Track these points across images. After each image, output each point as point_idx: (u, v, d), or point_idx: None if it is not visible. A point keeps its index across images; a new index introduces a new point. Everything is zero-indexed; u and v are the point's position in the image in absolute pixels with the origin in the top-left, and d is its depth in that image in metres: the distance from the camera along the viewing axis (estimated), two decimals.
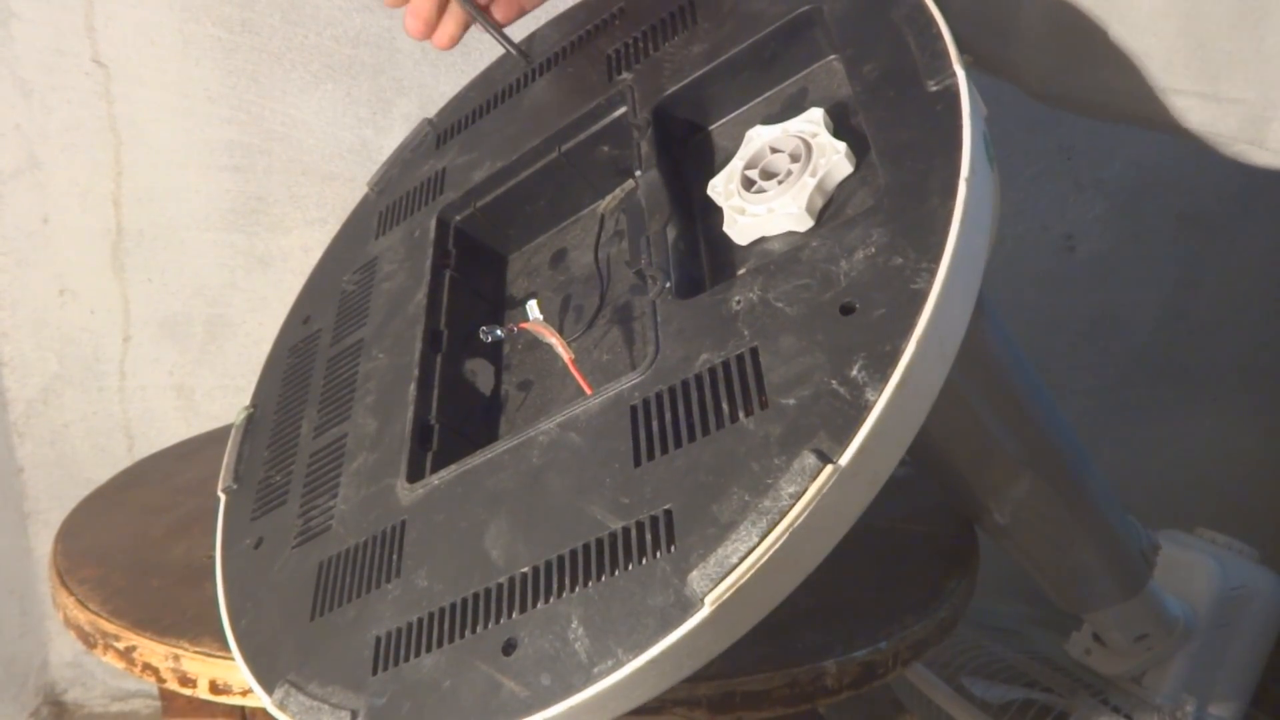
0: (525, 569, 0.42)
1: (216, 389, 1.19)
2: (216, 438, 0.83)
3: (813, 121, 0.48)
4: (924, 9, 0.46)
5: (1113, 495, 0.71)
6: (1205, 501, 1.24)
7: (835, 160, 0.46)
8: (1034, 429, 0.65)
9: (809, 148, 0.47)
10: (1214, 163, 1.17)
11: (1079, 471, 0.68)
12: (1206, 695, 0.92)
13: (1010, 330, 0.63)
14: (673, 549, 0.38)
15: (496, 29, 0.64)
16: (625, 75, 0.57)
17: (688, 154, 0.56)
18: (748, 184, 0.48)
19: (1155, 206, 1.16)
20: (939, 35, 0.44)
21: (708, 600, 0.36)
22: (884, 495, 0.39)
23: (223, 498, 0.60)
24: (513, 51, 0.66)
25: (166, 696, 0.68)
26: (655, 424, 0.42)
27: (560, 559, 0.41)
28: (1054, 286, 1.18)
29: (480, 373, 0.57)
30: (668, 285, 0.46)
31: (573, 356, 0.49)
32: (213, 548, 0.57)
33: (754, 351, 0.41)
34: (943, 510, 0.73)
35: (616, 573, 0.39)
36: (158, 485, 0.80)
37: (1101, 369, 1.23)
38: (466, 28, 0.64)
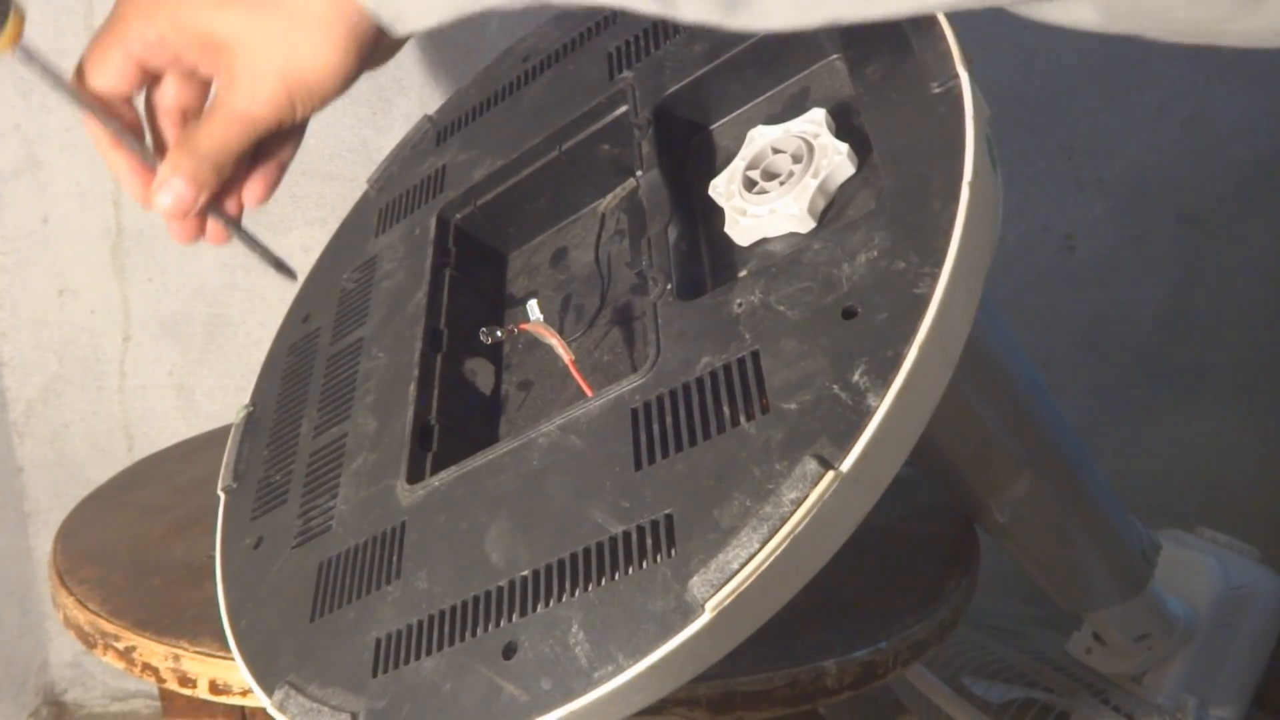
0: (526, 572, 0.41)
1: (216, 389, 1.19)
2: (216, 438, 0.83)
3: (815, 122, 0.48)
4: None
5: (1113, 495, 0.72)
6: (1205, 501, 1.24)
7: (837, 161, 0.45)
8: (1034, 429, 0.65)
9: (811, 148, 0.47)
10: (1214, 163, 1.17)
11: (1079, 471, 0.68)
12: (1207, 695, 0.92)
13: (1010, 330, 0.63)
14: (673, 554, 0.38)
15: (254, 241, 0.56)
16: (626, 74, 0.57)
17: (689, 153, 0.55)
18: (749, 184, 0.48)
19: (1155, 206, 1.16)
20: (942, 36, 0.44)
21: (708, 606, 0.36)
22: (884, 495, 0.38)
23: (222, 497, 0.59)
24: (274, 267, 0.58)
25: (166, 696, 0.68)
26: (656, 427, 0.42)
27: (561, 563, 0.41)
28: (1054, 286, 1.18)
29: (480, 372, 0.56)
30: (669, 286, 0.46)
31: (573, 358, 0.49)
32: (213, 548, 0.57)
33: (755, 355, 0.41)
34: (943, 510, 0.73)
35: (617, 577, 0.39)
36: (158, 485, 0.80)
37: (1101, 369, 1.23)
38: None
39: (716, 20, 0.40)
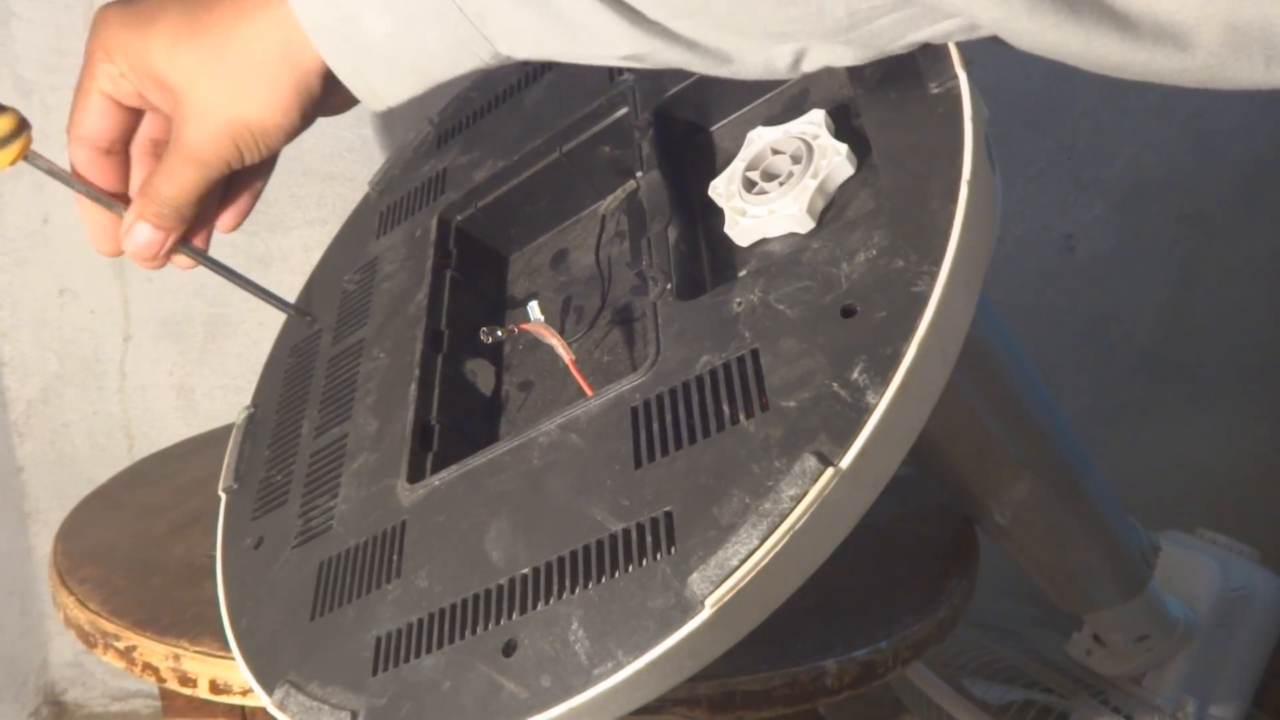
0: (525, 570, 0.41)
1: (216, 389, 1.19)
2: (216, 438, 0.83)
3: (814, 123, 0.48)
4: None
5: (1113, 496, 0.72)
6: (1205, 502, 1.24)
7: (836, 162, 0.46)
8: (1034, 430, 0.65)
9: (810, 149, 0.47)
10: (1214, 163, 1.17)
11: (1079, 472, 0.68)
12: (1207, 696, 0.92)
13: (1010, 330, 0.63)
14: (673, 551, 0.38)
15: (246, 281, 0.59)
16: (626, 76, 0.57)
17: (689, 155, 0.55)
18: (749, 185, 0.48)
19: (1155, 206, 1.16)
20: None
21: (708, 603, 0.36)
22: (884, 495, 0.39)
23: (223, 497, 0.59)
24: (292, 312, 0.64)
25: (167, 696, 0.68)
26: (656, 425, 0.42)
27: (560, 560, 0.41)
28: (1054, 286, 1.18)
29: (481, 373, 0.56)
30: (669, 286, 0.46)
31: (573, 357, 0.49)
32: (213, 547, 0.57)
33: (755, 353, 0.41)
34: (943, 510, 0.73)
35: (617, 574, 0.39)
36: (158, 485, 0.80)
37: (1101, 369, 1.23)
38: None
39: (700, 70, 0.41)
